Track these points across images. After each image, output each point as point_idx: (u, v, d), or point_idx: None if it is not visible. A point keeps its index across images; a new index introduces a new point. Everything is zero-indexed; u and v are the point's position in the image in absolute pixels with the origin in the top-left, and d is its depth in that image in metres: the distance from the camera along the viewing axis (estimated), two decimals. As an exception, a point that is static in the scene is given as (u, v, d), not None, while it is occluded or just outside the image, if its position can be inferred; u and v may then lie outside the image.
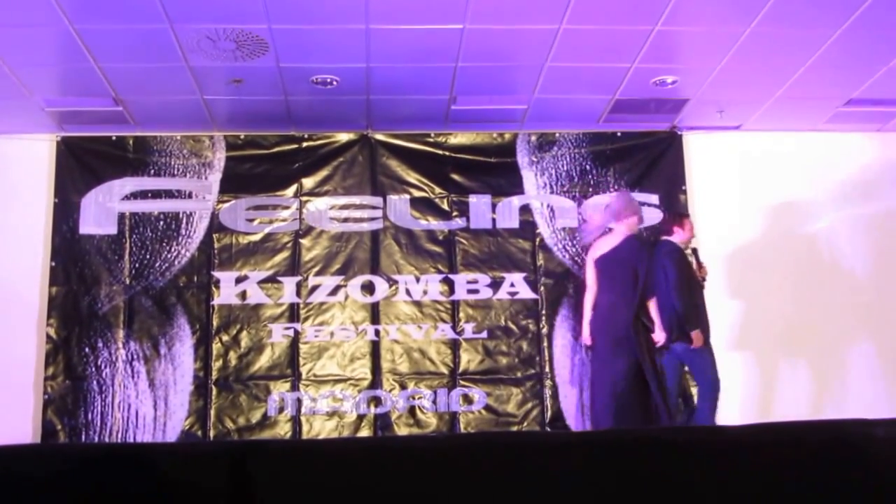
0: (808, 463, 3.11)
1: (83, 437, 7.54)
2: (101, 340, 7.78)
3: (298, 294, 7.98)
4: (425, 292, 8.06)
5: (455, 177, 8.29)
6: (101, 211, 8.00)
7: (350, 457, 3.09)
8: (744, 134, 8.43)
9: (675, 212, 7.67)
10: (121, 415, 7.67)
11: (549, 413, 7.90)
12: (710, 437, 3.58)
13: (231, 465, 2.96)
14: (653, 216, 8.18)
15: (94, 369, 7.73)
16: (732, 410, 7.51)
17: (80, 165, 8.07)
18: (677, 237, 7.17)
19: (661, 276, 6.87)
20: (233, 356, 7.86)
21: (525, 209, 8.27)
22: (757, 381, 8.08)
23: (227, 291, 7.96)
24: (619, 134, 8.40)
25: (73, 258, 7.91)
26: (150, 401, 7.73)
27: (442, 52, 6.85)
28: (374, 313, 8.00)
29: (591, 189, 8.33)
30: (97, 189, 8.03)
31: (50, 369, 7.71)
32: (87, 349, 7.75)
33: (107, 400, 7.68)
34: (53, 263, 7.89)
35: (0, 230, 7.98)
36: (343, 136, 8.30)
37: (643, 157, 8.38)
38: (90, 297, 7.85)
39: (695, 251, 7.33)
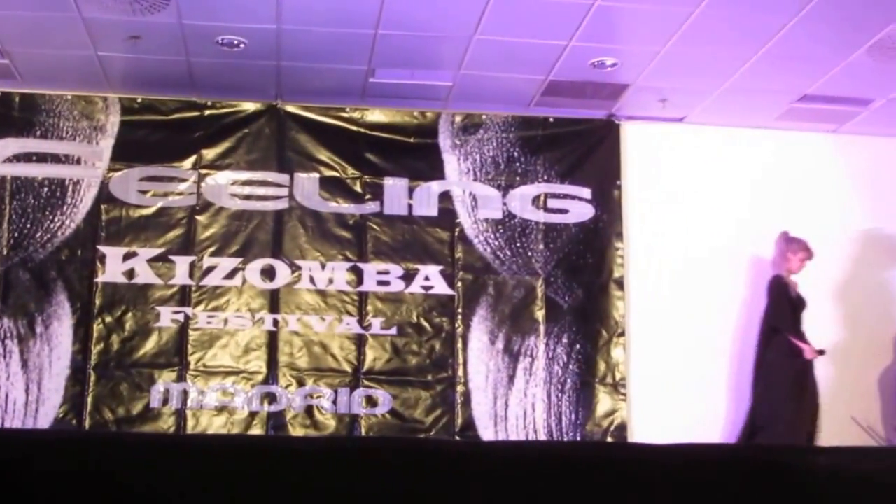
0: (735, 489, 3.03)
1: (-55, 420, 7.16)
2: (-28, 314, 7.37)
3: (191, 275, 7.55)
4: (331, 281, 7.66)
5: (370, 156, 7.89)
6: (-20, 173, 7.55)
7: (233, 455, 3.00)
8: (687, 127, 8.22)
9: None
10: (-12, 398, 7.29)
11: (460, 421, 7.56)
12: (625, 455, 3.50)
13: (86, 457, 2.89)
14: (583, 212, 7.92)
15: (-39, 346, 7.31)
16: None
17: (-41, 122, 7.60)
18: None
19: None
20: (115, 340, 7.42)
21: (445, 196, 7.90)
22: (689, 389, 7.68)
23: (112, 268, 7.50)
24: (551, 119, 8.07)
25: (-54, 223, 7.47)
26: (22, 384, 7.31)
27: (360, 17, 6.56)
28: (274, 301, 7.59)
29: (517, 178, 7.97)
30: (-23, 149, 7.57)
31: (-88, 343, 7.30)
32: (-45, 323, 7.33)
33: (-26, 381, 7.29)
34: (-76, 228, 7.43)
35: None
36: (249, 106, 7.86)
37: (576, 147, 8.06)
38: (-38, 267, 7.39)
39: None
